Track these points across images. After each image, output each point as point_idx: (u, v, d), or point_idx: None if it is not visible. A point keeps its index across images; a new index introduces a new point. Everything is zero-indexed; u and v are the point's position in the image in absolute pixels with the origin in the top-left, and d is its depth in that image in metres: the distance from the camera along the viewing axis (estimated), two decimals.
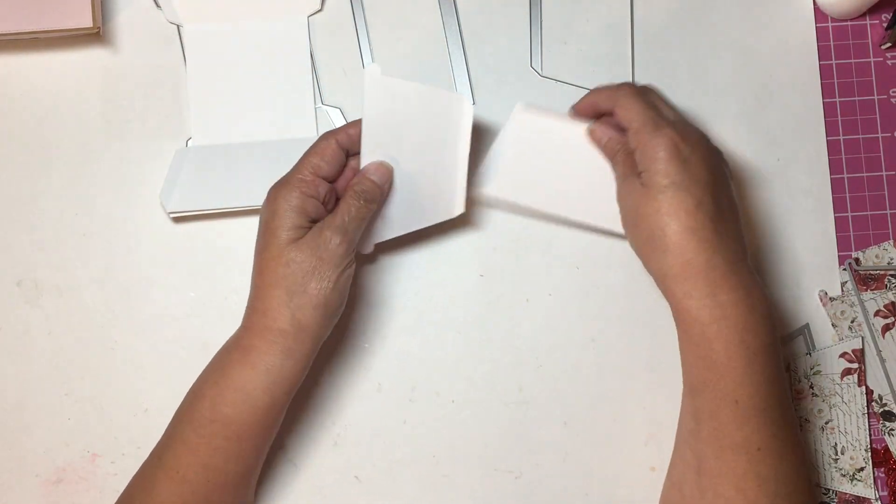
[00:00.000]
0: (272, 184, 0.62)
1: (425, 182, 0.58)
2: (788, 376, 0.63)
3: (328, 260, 0.52)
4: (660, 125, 0.53)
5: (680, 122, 0.55)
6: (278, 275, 0.52)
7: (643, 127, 0.53)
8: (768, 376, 0.52)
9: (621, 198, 0.55)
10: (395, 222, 0.59)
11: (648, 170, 0.52)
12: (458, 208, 0.59)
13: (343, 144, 0.55)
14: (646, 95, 0.56)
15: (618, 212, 0.56)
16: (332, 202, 0.56)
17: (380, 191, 0.55)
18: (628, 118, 0.54)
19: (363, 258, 0.63)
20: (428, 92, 0.56)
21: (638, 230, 0.53)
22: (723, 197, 0.53)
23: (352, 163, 0.57)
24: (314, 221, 0.54)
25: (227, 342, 0.55)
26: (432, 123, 0.56)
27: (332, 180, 0.56)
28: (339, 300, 0.54)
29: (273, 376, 0.52)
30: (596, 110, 0.58)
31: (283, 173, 0.62)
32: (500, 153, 0.60)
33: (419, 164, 0.57)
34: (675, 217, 0.51)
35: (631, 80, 0.65)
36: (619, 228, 0.57)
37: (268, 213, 0.54)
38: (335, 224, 0.53)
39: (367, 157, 0.57)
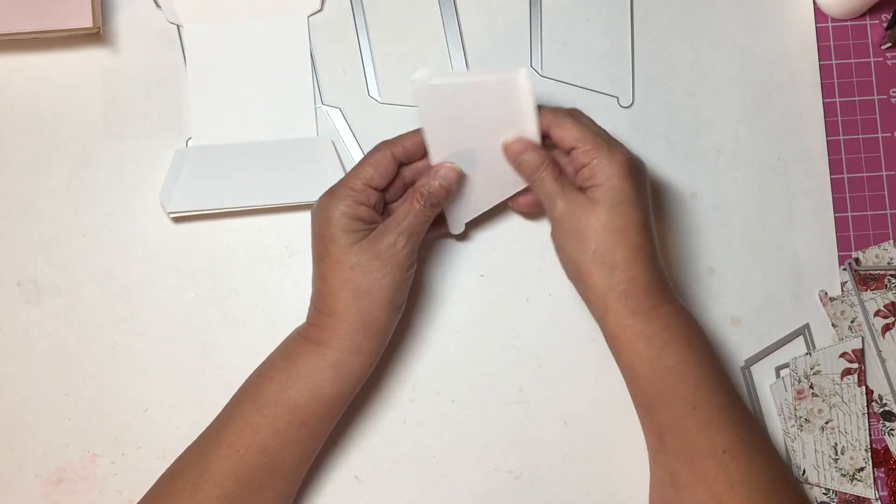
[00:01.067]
0: (277, 185, 0.61)
1: (501, 158, 0.56)
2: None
3: (391, 262, 0.53)
4: (611, 142, 0.54)
5: (616, 140, 0.55)
6: (342, 278, 0.53)
7: (596, 144, 0.53)
8: (718, 378, 0.54)
9: (561, 212, 0.53)
10: (480, 200, 0.59)
11: (602, 185, 0.52)
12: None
13: (399, 157, 0.56)
14: (580, 117, 0.55)
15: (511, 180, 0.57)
16: (381, 208, 0.56)
17: (446, 193, 0.56)
18: (573, 136, 0.53)
19: None
20: (479, 85, 0.54)
21: (583, 246, 0.53)
22: (652, 215, 0.55)
23: (404, 172, 0.57)
24: (370, 224, 0.55)
25: (292, 335, 0.56)
26: (493, 111, 0.55)
27: (382, 190, 0.56)
28: (402, 298, 0.55)
29: (341, 371, 0.54)
30: None
31: (284, 173, 0.62)
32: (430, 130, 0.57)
33: (492, 143, 0.56)
34: (625, 234, 0.52)
35: (631, 80, 0.65)
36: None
37: (321, 220, 0.54)
38: (399, 227, 0.54)
39: (437, 156, 0.56)
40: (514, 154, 0.55)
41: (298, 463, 0.56)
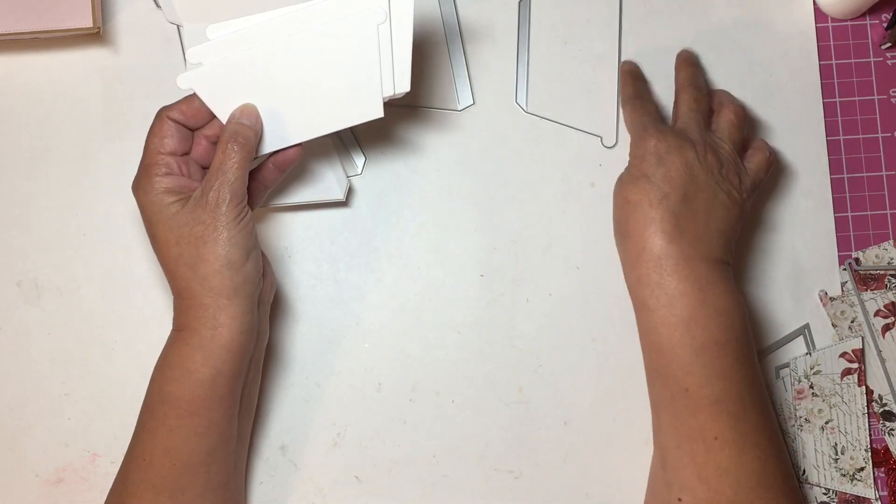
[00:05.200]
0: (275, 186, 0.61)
1: (335, 81, 0.53)
2: (764, 374, 0.63)
3: (213, 222, 0.51)
4: (650, 127, 0.57)
5: (689, 126, 0.58)
6: (174, 255, 0.52)
7: (633, 128, 0.59)
8: (720, 371, 0.53)
9: (617, 181, 0.58)
10: (301, 125, 0.54)
11: (630, 160, 0.57)
12: (378, 111, 0.54)
13: (177, 120, 0.53)
14: (694, 90, 0.60)
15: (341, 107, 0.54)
16: (195, 172, 0.54)
17: (252, 131, 0.53)
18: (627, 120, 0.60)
19: (360, 259, 0.63)
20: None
21: (614, 216, 0.57)
22: (699, 201, 0.55)
23: (205, 132, 0.54)
24: (183, 192, 0.52)
25: None
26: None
27: (184, 153, 0.54)
28: (243, 254, 0.52)
29: (207, 348, 0.52)
30: None
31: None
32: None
33: (320, 73, 0.53)
34: (638, 206, 0.55)
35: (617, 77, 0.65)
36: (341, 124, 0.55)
37: (139, 208, 0.53)
38: (214, 183, 0.51)
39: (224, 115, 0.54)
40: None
41: (208, 454, 0.54)
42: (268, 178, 0.56)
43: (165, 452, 0.53)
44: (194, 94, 0.53)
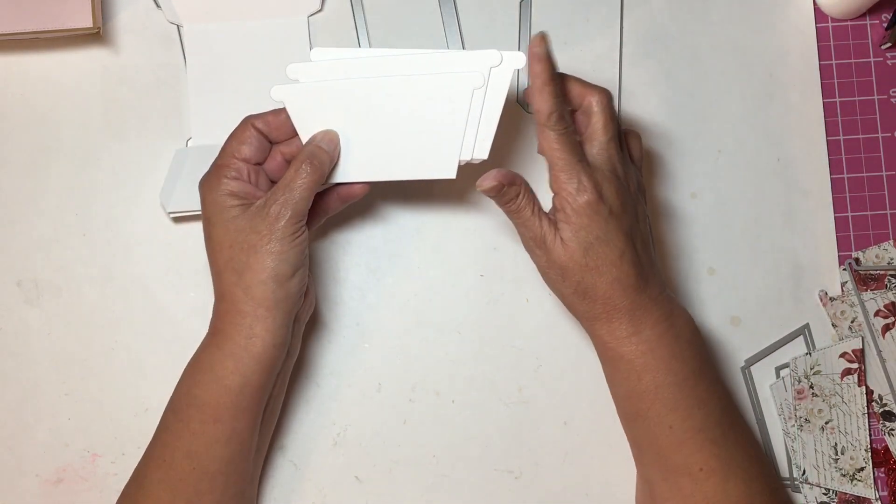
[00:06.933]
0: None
1: (419, 132, 0.54)
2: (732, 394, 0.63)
3: (269, 234, 0.51)
4: (583, 172, 0.51)
5: (609, 162, 0.52)
6: (225, 258, 0.52)
7: (566, 168, 0.51)
8: (699, 399, 0.53)
9: (540, 250, 0.53)
10: (375, 165, 0.55)
11: (571, 223, 0.51)
12: (451, 171, 0.55)
13: (261, 129, 0.54)
14: (609, 99, 0.53)
15: (432, 159, 0.54)
16: (263, 183, 0.55)
17: (329, 157, 0.54)
18: (550, 156, 0.52)
19: (360, 259, 0.63)
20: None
21: (566, 282, 0.53)
22: (638, 236, 0.53)
23: (282, 148, 0.55)
24: (247, 199, 0.53)
25: None
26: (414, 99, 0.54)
27: (257, 163, 0.55)
28: (290, 270, 0.52)
29: (239, 357, 0.52)
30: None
31: None
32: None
33: (411, 116, 0.54)
34: (602, 272, 0.52)
35: (618, 77, 0.65)
36: (436, 175, 0.54)
37: (201, 205, 0.54)
38: (276, 195, 0.52)
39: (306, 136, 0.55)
40: (488, 187, 0.52)
41: (230, 462, 0.54)
42: (330, 204, 0.57)
43: (187, 455, 0.53)
44: (283, 107, 0.54)
